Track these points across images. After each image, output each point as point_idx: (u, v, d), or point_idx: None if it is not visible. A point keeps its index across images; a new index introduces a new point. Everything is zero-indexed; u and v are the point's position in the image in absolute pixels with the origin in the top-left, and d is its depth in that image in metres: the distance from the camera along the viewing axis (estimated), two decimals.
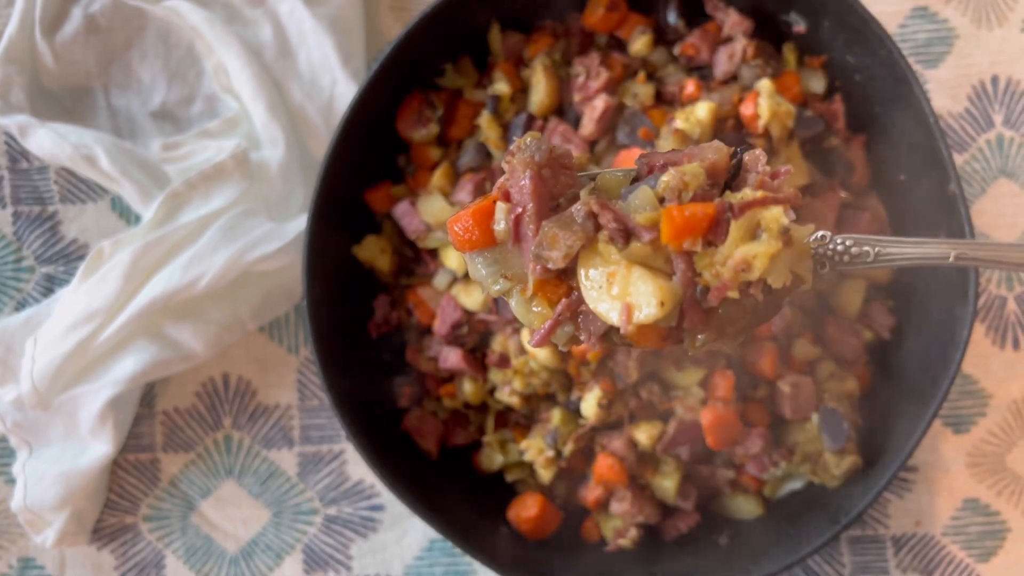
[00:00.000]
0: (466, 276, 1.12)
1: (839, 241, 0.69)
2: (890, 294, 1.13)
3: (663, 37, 1.13)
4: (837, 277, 1.11)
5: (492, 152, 1.13)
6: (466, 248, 0.70)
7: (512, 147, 0.69)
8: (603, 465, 1.08)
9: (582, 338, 0.69)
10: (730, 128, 1.06)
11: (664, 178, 0.66)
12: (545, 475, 1.11)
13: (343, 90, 1.19)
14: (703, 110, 1.03)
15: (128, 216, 1.24)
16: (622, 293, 0.65)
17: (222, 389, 1.23)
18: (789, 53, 1.11)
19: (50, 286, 1.23)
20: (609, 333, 0.68)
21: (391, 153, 1.17)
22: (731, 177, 0.68)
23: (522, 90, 1.15)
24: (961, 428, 1.18)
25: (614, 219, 0.66)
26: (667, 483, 1.09)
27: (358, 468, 1.22)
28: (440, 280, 1.14)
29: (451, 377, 1.15)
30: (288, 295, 1.21)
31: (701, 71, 1.11)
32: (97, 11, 1.19)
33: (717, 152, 0.68)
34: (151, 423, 1.23)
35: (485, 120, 1.12)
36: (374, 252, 1.16)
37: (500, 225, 0.69)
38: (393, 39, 1.07)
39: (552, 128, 1.10)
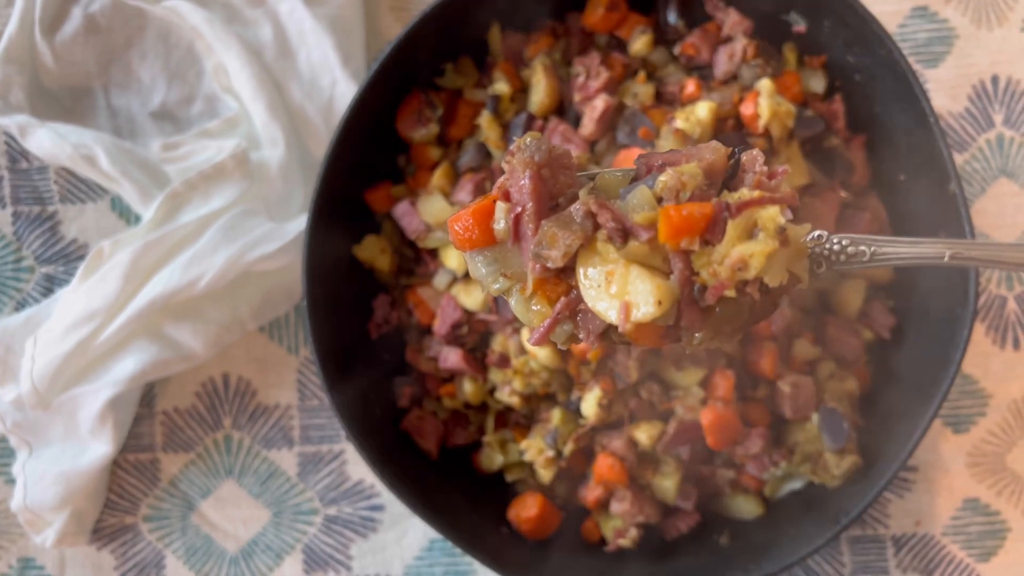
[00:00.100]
0: (466, 276, 1.12)
1: (836, 240, 0.70)
2: (890, 294, 1.12)
3: (663, 37, 1.13)
4: (837, 277, 1.11)
5: (492, 152, 1.13)
6: (466, 247, 0.71)
7: (512, 147, 0.69)
8: (603, 465, 1.08)
9: (581, 336, 0.69)
10: (730, 128, 1.06)
11: (662, 178, 0.66)
12: (545, 475, 1.11)
13: (343, 90, 1.19)
14: (703, 110, 1.03)
15: (128, 216, 1.24)
16: (620, 292, 0.66)
17: (222, 389, 1.23)
18: (789, 53, 1.11)
19: (50, 286, 1.23)
20: (608, 331, 0.68)
21: (391, 153, 1.17)
22: (729, 177, 0.68)
23: (522, 90, 1.15)
24: (961, 428, 1.18)
25: (612, 218, 0.66)
26: (667, 483, 1.09)
27: (358, 468, 1.22)
28: (440, 280, 1.14)
29: (451, 377, 1.15)
30: (288, 295, 1.21)
31: (701, 71, 1.11)
32: (97, 11, 1.20)
33: (715, 152, 0.68)
34: (151, 423, 1.23)
35: (485, 120, 1.12)
36: (374, 252, 1.16)
37: (500, 224, 0.69)
38: (393, 39, 1.07)
39: (552, 128, 1.10)
